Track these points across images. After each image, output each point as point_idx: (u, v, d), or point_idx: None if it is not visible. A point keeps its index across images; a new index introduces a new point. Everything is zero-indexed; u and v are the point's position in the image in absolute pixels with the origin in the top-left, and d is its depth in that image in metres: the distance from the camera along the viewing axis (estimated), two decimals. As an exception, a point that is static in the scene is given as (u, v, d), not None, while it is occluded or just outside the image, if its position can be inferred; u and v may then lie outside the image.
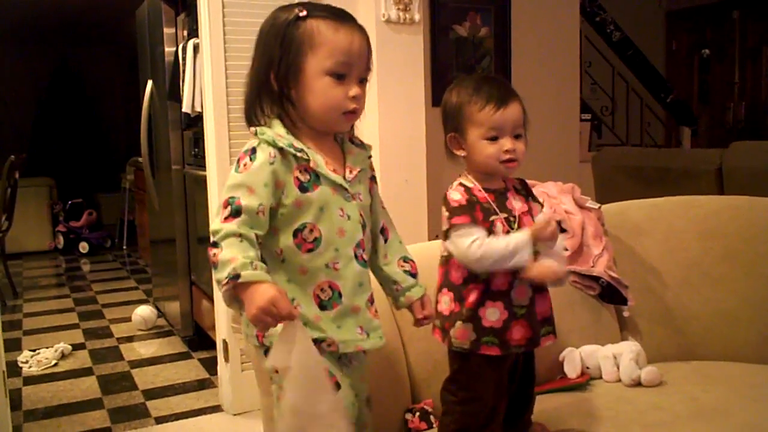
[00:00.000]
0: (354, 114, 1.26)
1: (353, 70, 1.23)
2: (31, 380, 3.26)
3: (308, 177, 1.21)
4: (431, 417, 1.65)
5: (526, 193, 1.49)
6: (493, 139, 1.38)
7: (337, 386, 1.25)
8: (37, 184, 6.54)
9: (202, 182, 2.93)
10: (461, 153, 1.42)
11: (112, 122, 8.21)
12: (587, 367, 1.82)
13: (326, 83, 1.21)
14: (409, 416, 1.66)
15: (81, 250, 6.59)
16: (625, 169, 3.98)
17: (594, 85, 5.93)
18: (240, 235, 1.15)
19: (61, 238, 6.67)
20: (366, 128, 2.79)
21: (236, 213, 1.16)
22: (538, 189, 2.16)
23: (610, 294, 1.99)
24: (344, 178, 1.27)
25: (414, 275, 1.39)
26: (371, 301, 1.29)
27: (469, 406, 1.40)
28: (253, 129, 1.24)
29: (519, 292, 1.39)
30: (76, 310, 4.57)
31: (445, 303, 1.43)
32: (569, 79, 3.84)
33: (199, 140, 3.16)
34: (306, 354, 1.15)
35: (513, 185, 1.47)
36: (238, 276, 1.11)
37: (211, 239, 1.17)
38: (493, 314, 1.37)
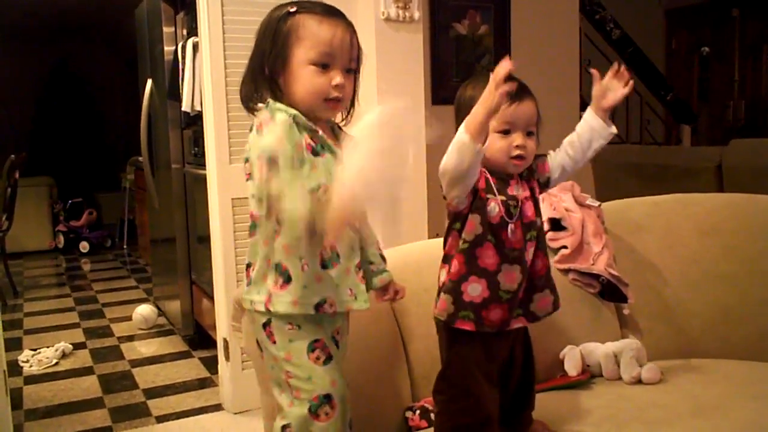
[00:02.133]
0: (338, 102, 1.33)
1: (336, 60, 1.30)
2: (31, 379, 3.26)
3: (317, 142, 1.29)
4: (431, 415, 1.65)
5: (529, 175, 1.48)
6: (505, 132, 1.39)
7: (329, 359, 1.32)
8: (37, 183, 6.54)
9: (202, 181, 2.93)
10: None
11: (112, 121, 8.21)
12: (588, 365, 1.82)
13: (310, 72, 1.29)
14: (409, 414, 1.67)
15: (81, 250, 6.59)
16: (625, 166, 3.98)
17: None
18: (290, 184, 1.19)
19: (61, 238, 6.67)
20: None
21: (274, 164, 1.19)
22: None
23: (610, 292, 1.99)
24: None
25: (384, 260, 1.47)
26: (359, 267, 1.37)
27: (460, 402, 1.40)
28: (261, 105, 1.32)
29: (507, 276, 1.39)
30: (77, 309, 4.58)
31: (442, 276, 1.44)
32: (569, 76, 3.85)
33: (198, 139, 3.16)
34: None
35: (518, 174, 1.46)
36: (314, 220, 1.15)
37: (264, 202, 1.21)
38: (474, 290, 1.38)
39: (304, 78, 1.29)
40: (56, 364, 3.46)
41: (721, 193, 3.12)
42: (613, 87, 1.47)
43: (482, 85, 1.35)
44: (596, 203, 2.12)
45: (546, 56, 3.67)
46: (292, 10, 1.31)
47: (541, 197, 2.07)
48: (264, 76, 1.32)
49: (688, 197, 2.21)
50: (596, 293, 1.99)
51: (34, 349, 3.59)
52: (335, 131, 1.39)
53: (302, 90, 1.30)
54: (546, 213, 2.02)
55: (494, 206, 1.38)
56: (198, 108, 3.10)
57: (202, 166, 2.92)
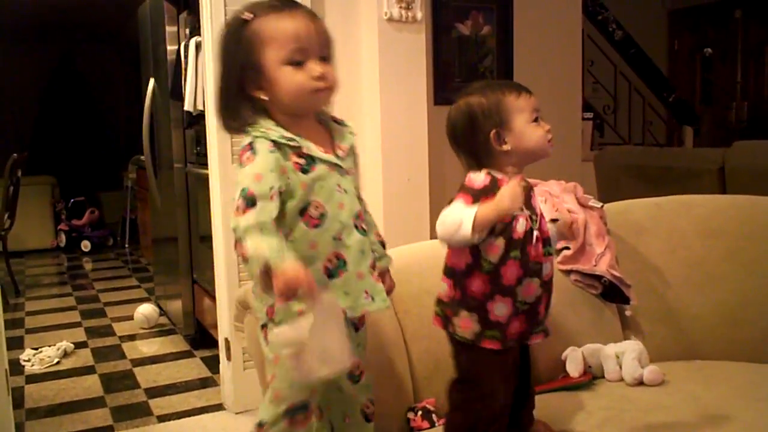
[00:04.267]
0: (325, 91, 1.31)
1: (308, 52, 1.28)
2: (33, 378, 3.26)
3: (304, 160, 1.28)
4: (433, 416, 1.65)
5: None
6: (536, 121, 1.42)
7: None
8: (39, 182, 6.54)
9: (204, 180, 2.93)
10: (506, 147, 1.40)
11: (114, 120, 8.21)
12: (589, 366, 1.82)
13: (287, 72, 1.26)
14: (411, 415, 1.66)
15: (83, 249, 6.59)
16: (627, 168, 3.98)
17: (596, 83, 5.91)
18: (259, 226, 1.18)
19: (63, 237, 6.68)
20: (368, 127, 2.81)
21: (251, 203, 1.19)
22: (541, 188, 2.16)
23: (612, 293, 1.99)
24: (336, 156, 1.34)
25: (384, 246, 1.48)
26: (373, 266, 1.37)
27: (481, 403, 1.39)
28: (243, 129, 1.29)
29: (526, 289, 1.39)
30: (78, 308, 4.58)
31: (443, 289, 1.44)
32: (571, 77, 3.83)
33: (201, 138, 3.16)
34: (326, 302, 1.21)
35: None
36: (269, 267, 1.15)
37: (234, 236, 1.21)
38: (500, 309, 1.38)
39: (283, 80, 1.26)
40: (58, 363, 3.46)
41: (723, 194, 3.11)
42: None
43: (491, 89, 1.42)
44: (599, 204, 2.11)
45: (549, 57, 3.66)
46: (248, 17, 1.28)
47: (542, 198, 2.08)
48: (241, 95, 1.29)
49: (691, 199, 2.21)
50: (598, 294, 1.99)
51: (36, 348, 3.59)
52: (330, 125, 1.38)
53: (285, 93, 1.27)
54: (548, 214, 2.02)
55: (522, 222, 1.38)
56: (200, 108, 3.10)
57: (205, 165, 2.92)
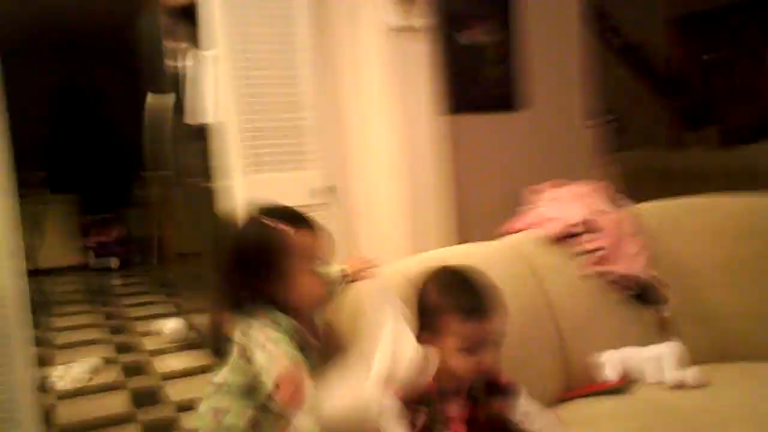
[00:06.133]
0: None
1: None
2: (63, 396, 3.27)
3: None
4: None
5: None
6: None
7: None
8: (64, 200, 6.59)
9: (220, 194, 2.92)
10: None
11: (128, 136, 8.21)
12: (627, 370, 1.76)
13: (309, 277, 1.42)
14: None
15: (111, 265, 6.63)
16: (645, 171, 3.90)
17: (600, 89, 5.85)
18: None
19: (91, 254, 6.72)
20: (374, 138, 2.80)
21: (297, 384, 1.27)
22: (569, 189, 2.12)
23: (647, 294, 1.93)
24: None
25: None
26: None
27: None
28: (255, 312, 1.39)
29: None
30: (107, 324, 4.60)
31: None
32: (572, 85, 3.77)
33: (207, 152, 3.15)
34: None
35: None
36: None
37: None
38: None
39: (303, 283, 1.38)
40: (87, 380, 3.46)
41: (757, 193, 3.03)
42: None
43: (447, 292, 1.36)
44: (630, 204, 2.06)
45: (552, 64, 3.61)
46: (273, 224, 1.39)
47: (573, 199, 2.03)
48: (258, 286, 1.39)
49: (725, 198, 2.15)
50: (633, 296, 1.93)
51: (65, 365, 3.60)
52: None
53: (300, 295, 1.39)
54: (581, 214, 1.97)
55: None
56: (205, 120, 3.09)
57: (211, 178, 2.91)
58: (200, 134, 3.41)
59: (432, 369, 1.32)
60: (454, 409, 1.34)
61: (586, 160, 3.57)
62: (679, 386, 1.69)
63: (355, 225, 2.91)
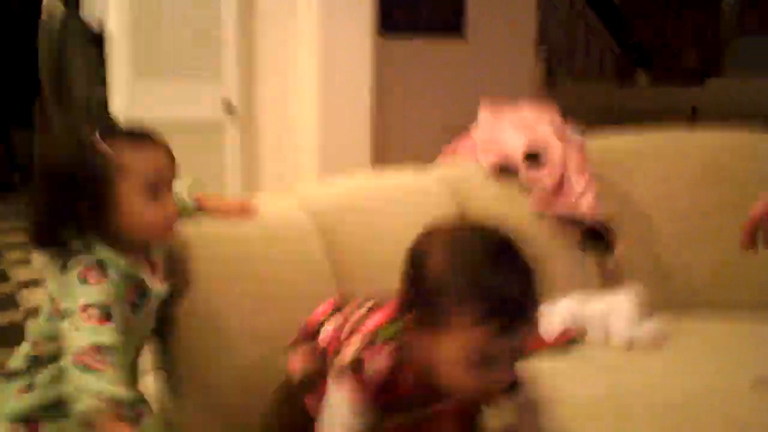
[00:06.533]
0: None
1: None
2: None
3: (140, 293, 1.15)
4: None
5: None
6: None
7: None
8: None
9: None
10: None
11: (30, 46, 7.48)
12: (569, 326, 1.51)
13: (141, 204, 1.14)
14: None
15: None
16: (587, 108, 3.70)
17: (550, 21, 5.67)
18: None
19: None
20: (305, 62, 2.46)
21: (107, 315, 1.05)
22: (511, 114, 1.83)
23: (593, 238, 1.69)
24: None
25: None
26: None
27: None
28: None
29: None
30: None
31: None
32: (526, 11, 3.53)
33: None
34: None
35: None
36: None
37: None
38: None
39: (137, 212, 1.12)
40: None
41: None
42: None
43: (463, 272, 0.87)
44: (579, 135, 1.80)
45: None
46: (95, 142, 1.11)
47: (515, 126, 1.75)
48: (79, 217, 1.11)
49: (684, 135, 1.92)
50: (578, 240, 1.68)
51: None
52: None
53: (134, 225, 1.13)
54: (522, 143, 1.70)
55: None
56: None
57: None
58: (97, 39, 2.98)
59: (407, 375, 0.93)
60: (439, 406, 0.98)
61: (530, 92, 3.36)
62: (631, 346, 1.45)
63: (260, 150, 2.57)
